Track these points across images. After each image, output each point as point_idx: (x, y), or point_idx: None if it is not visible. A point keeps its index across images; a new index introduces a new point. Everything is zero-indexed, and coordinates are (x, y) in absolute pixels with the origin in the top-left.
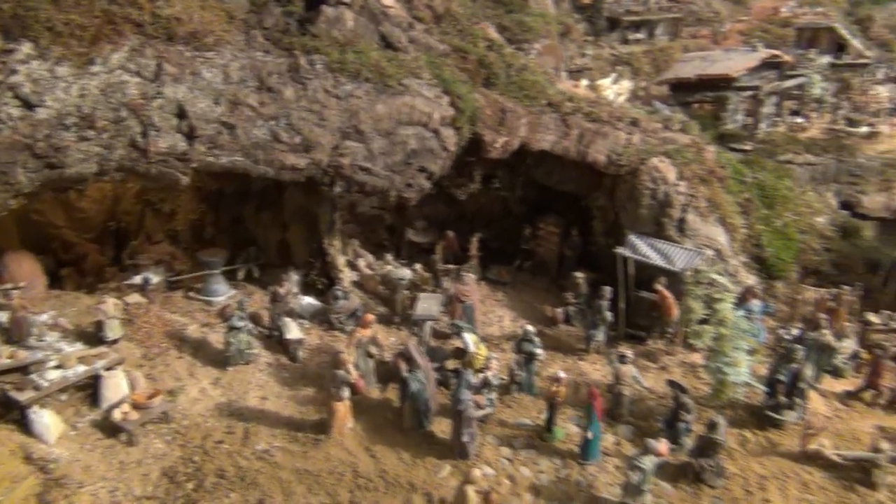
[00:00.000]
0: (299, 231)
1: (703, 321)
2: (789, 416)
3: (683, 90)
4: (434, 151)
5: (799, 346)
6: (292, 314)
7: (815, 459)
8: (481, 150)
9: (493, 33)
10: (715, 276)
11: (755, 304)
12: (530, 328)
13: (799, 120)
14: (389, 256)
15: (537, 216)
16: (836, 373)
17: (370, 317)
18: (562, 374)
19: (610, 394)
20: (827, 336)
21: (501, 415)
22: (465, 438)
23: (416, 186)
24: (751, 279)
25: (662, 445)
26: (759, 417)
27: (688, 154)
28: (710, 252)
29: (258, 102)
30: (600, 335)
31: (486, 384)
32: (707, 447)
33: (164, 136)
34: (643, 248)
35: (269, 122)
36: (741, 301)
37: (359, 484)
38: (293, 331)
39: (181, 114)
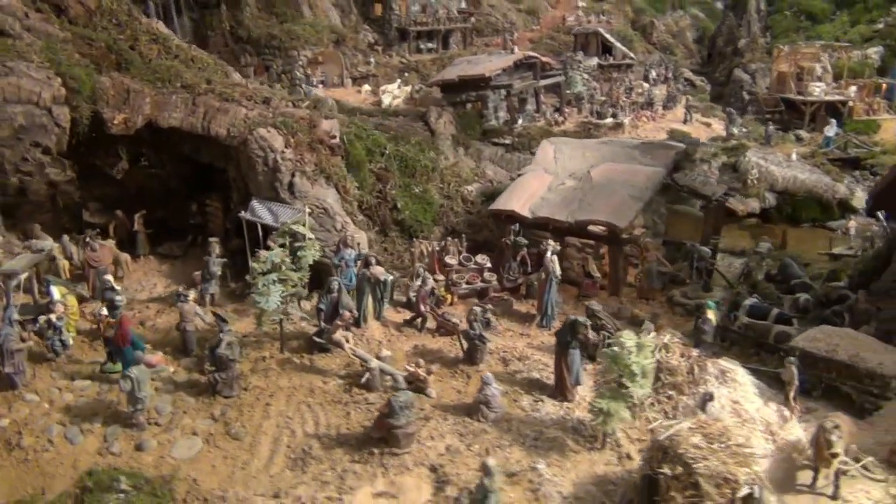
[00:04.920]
0: None
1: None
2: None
3: (451, 91)
4: (47, 128)
5: (335, 279)
6: None
7: (337, 344)
8: (104, 126)
9: (161, 28)
10: (296, 229)
11: (349, 252)
12: (109, 278)
13: (557, 115)
14: (66, 238)
15: (204, 193)
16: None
17: None
18: (104, 312)
19: (178, 331)
20: (374, 270)
21: (84, 357)
22: (8, 370)
23: (33, 160)
24: (360, 233)
25: (155, 357)
26: (310, 343)
27: (296, 125)
28: (309, 210)
29: None
30: (212, 287)
31: (50, 326)
32: (220, 363)
33: None
34: (260, 211)
35: None
36: (337, 250)
37: None
38: None
39: None
